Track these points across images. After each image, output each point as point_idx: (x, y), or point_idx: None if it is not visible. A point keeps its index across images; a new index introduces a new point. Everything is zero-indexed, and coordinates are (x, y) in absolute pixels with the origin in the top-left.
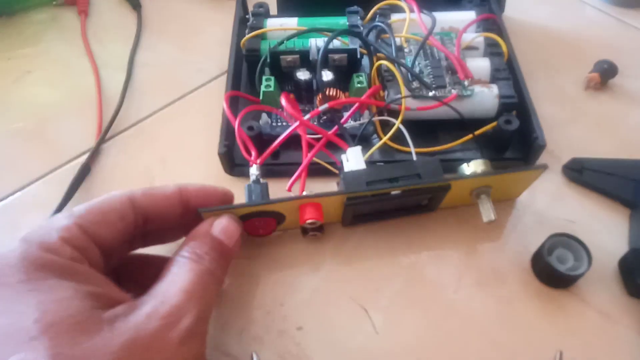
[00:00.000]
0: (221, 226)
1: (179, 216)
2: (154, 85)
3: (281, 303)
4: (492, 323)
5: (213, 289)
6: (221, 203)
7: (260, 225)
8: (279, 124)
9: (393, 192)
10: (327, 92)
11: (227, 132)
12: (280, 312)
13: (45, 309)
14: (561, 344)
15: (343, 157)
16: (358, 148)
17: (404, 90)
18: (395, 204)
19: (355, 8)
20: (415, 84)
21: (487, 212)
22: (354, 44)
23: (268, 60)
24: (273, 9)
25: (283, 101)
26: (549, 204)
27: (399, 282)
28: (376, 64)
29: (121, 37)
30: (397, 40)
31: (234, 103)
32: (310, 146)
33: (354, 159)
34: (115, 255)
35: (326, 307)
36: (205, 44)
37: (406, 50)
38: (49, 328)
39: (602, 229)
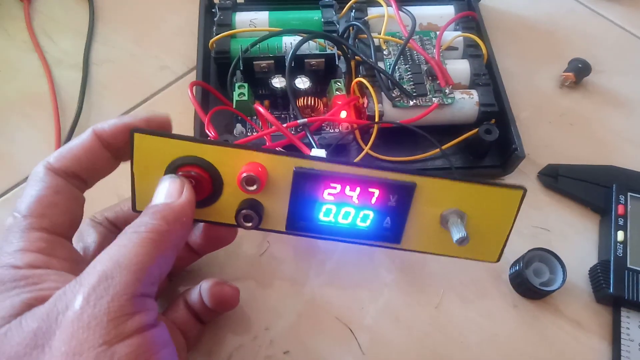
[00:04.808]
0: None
1: (113, 159)
2: (114, 87)
3: (267, 327)
4: (474, 337)
5: (137, 242)
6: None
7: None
8: (254, 133)
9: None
10: (303, 102)
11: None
12: (266, 336)
13: None
14: (536, 354)
15: None
16: (322, 151)
17: (384, 99)
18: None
19: (329, 1)
20: (395, 92)
21: (458, 228)
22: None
23: (240, 66)
24: None
25: (261, 109)
26: (526, 211)
27: (383, 300)
28: (355, 81)
29: (72, 28)
30: (376, 41)
31: (204, 104)
32: None
33: None
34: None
35: (312, 328)
36: (166, 35)
37: (385, 52)
38: None
39: (575, 236)
